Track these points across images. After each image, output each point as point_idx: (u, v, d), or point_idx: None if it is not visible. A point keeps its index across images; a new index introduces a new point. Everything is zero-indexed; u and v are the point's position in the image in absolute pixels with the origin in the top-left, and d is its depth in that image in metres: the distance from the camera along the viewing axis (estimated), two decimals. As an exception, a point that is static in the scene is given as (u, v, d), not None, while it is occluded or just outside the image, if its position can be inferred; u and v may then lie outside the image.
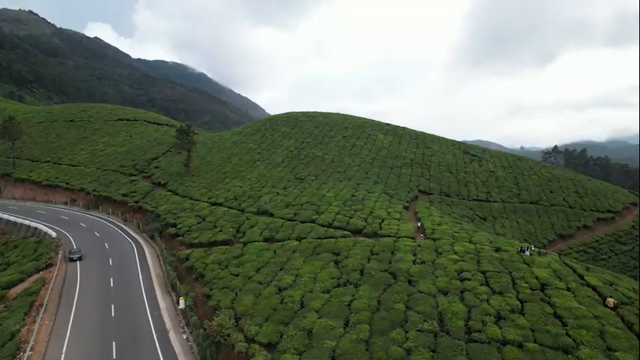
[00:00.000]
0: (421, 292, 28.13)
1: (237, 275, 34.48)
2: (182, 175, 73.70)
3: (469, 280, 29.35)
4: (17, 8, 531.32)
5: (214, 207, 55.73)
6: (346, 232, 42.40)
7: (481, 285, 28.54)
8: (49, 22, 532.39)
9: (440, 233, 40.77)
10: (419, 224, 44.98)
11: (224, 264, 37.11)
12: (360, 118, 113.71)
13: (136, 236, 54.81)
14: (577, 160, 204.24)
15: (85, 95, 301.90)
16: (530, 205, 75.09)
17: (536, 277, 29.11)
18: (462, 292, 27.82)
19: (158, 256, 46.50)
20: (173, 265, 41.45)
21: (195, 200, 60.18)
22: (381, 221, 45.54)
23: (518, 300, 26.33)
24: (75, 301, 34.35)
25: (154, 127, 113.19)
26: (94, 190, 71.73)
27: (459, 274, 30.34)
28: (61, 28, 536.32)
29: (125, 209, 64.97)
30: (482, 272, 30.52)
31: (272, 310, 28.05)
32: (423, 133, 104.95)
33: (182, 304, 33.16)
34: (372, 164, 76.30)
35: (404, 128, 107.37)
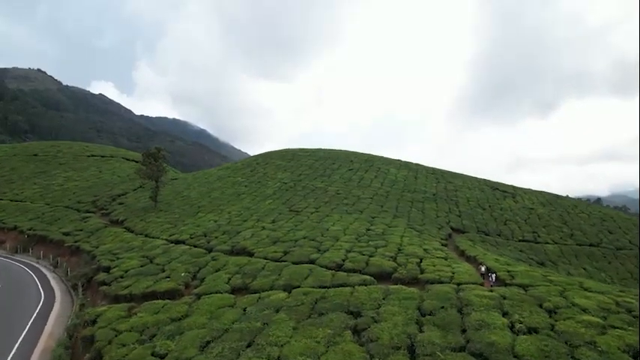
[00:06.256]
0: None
1: (162, 358, 17.72)
2: (147, 211, 57.98)
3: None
4: (27, 67, 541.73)
5: (172, 245, 39.44)
6: (366, 277, 25.91)
7: None
8: (56, 80, 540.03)
9: (525, 277, 24.32)
10: (482, 266, 28.42)
11: (150, 332, 20.36)
12: (367, 153, 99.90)
13: (57, 286, 37.83)
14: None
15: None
16: (590, 247, 58.53)
17: None
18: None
19: (70, 316, 29.62)
20: (76, 331, 24.55)
21: (152, 238, 44.00)
22: (419, 261, 29.18)
23: None
24: None
25: (131, 165, 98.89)
26: (30, 229, 55.53)
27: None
28: (67, 85, 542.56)
29: (61, 251, 48.36)
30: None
31: None
32: (440, 170, 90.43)
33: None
34: (388, 197, 60.75)
35: (417, 164, 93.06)
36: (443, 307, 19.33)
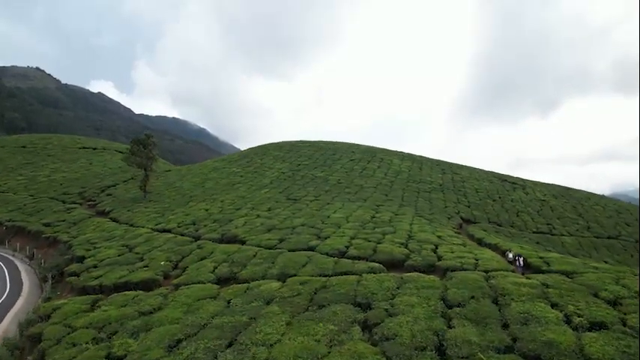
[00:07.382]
0: None
1: None
2: (136, 202, 54.23)
3: None
4: (26, 65, 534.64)
5: (157, 234, 35.63)
6: (374, 265, 22.07)
7: None
8: (55, 78, 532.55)
9: (563, 264, 20.49)
10: (510, 253, 24.45)
11: (111, 329, 16.56)
12: (369, 145, 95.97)
13: (28, 279, 34.01)
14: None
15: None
16: (609, 240, 54.75)
17: None
18: None
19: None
20: (29, 328, 20.75)
21: (136, 227, 40.21)
22: (434, 247, 25.36)
23: None
24: None
25: (123, 156, 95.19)
26: (9, 221, 51.74)
27: None
28: (66, 83, 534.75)
29: (39, 243, 44.59)
30: None
31: None
32: (445, 161, 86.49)
33: None
34: (392, 187, 56.93)
35: (421, 155, 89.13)
36: (473, 298, 15.51)
